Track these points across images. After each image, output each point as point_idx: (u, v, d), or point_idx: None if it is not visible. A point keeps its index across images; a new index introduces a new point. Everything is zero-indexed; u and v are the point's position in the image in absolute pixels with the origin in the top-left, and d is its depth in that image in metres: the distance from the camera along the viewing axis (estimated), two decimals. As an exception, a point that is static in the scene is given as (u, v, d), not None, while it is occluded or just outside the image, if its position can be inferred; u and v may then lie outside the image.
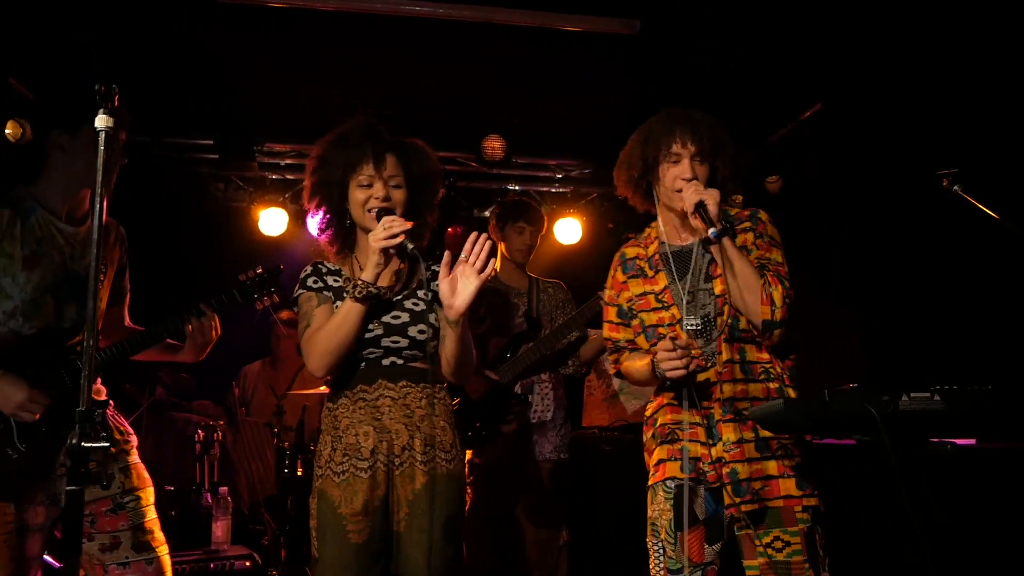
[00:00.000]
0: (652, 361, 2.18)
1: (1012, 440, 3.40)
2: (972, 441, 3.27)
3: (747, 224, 2.34)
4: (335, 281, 2.36)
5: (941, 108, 4.41)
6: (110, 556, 2.41)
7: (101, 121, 1.67)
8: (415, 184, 2.39)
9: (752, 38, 3.79)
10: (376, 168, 2.31)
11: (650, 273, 2.36)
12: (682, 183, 2.23)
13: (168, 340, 2.63)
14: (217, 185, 5.06)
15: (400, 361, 2.30)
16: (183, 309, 2.57)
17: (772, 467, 2.20)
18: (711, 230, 2.11)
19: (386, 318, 2.29)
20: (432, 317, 2.32)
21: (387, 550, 2.23)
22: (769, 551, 2.18)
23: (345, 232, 2.39)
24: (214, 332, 2.63)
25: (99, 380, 2.58)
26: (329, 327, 2.21)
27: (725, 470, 2.18)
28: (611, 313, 2.45)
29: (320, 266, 2.39)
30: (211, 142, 4.70)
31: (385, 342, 2.28)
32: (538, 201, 5.40)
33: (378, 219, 2.23)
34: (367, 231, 2.30)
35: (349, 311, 2.20)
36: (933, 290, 4.72)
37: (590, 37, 3.73)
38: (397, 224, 2.19)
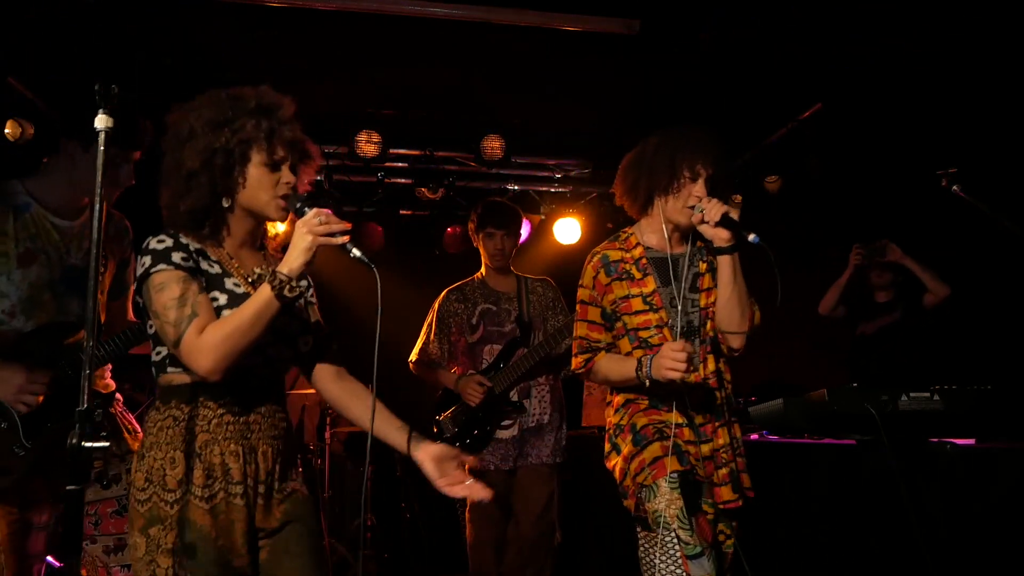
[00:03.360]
0: (640, 360, 2.28)
1: (1012, 440, 3.40)
2: (971, 441, 3.28)
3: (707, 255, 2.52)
4: (210, 267, 1.93)
5: (940, 108, 4.41)
6: (114, 558, 2.39)
7: (101, 121, 1.67)
8: (300, 177, 2.02)
9: (752, 38, 3.79)
10: (290, 148, 1.95)
11: (637, 276, 2.43)
12: (696, 200, 2.36)
13: None
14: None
15: (272, 374, 1.99)
16: None
17: (742, 463, 2.44)
18: (751, 236, 2.23)
19: (277, 323, 1.88)
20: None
21: None
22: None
23: (210, 213, 1.94)
24: None
25: (108, 374, 2.56)
26: (241, 323, 1.80)
27: (723, 471, 2.35)
28: (592, 313, 2.48)
29: (182, 239, 1.91)
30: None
31: (271, 351, 1.94)
32: (538, 200, 5.41)
33: (298, 208, 1.91)
34: (259, 218, 1.99)
35: (267, 308, 1.80)
36: (909, 290, 4.71)
37: (590, 37, 3.73)
38: (336, 223, 1.84)
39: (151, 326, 1.90)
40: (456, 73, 4.20)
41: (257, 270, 1.92)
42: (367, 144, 4.57)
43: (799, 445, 3.74)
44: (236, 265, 1.98)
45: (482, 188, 5.26)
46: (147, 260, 1.87)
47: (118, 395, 2.57)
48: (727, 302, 2.33)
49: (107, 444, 1.62)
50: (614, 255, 2.48)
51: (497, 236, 3.78)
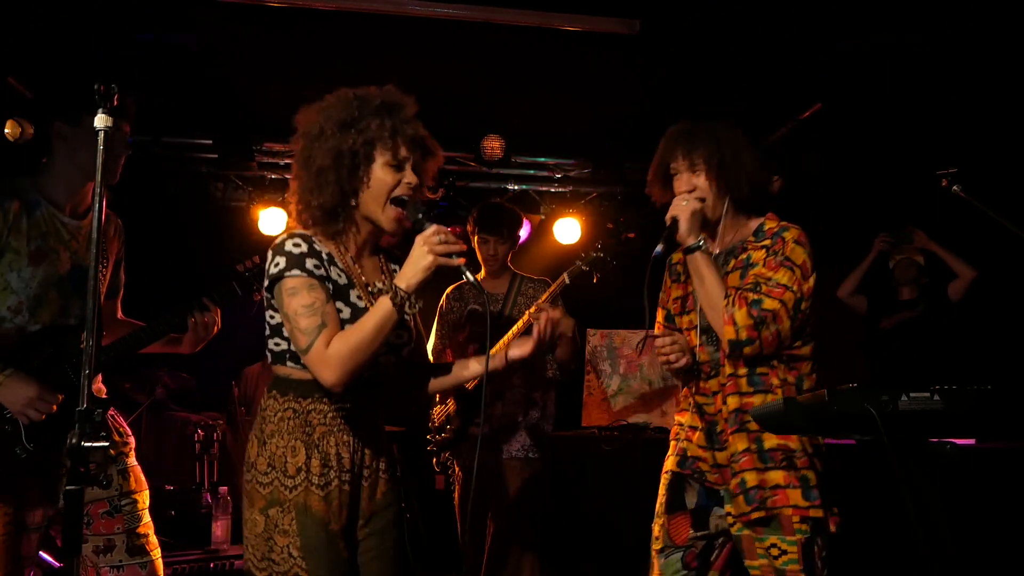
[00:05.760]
0: None
1: (1012, 440, 3.41)
2: (972, 441, 3.28)
3: (767, 241, 2.31)
4: (338, 276, 1.99)
5: (941, 108, 4.42)
6: (104, 559, 2.39)
7: (100, 121, 1.67)
8: (423, 176, 2.09)
9: (752, 38, 3.79)
10: (412, 146, 2.02)
11: (683, 278, 2.44)
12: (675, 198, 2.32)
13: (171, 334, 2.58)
14: (217, 185, 5.06)
15: (378, 375, 2.06)
16: (186, 304, 2.53)
17: (779, 476, 2.22)
18: (657, 248, 2.23)
19: (391, 336, 1.97)
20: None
21: None
22: (768, 556, 2.21)
23: (341, 210, 2.01)
24: (216, 327, 2.60)
25: (100, 379, 2.56)
26: (363, 338, 1.87)
27: (735, 480, 2.22)
28: (661, 315, 2.54)
29: (315, 245, 1.97)
30: (210, 142, 4.70)
31: (380, 359, 2.01)
32: (538, 200, 5.41)
33: (419, 220, 1.96)
34: (373, 219, 2.02)
35: (387, 322, 1.88)
36: (933, 289, 4.72)
37: (590, 37, 3.73)
38: (454, 244, 1.88)
39: (273, 316, 1.99)
40: (456, 73, 4.20)
41: (379, 284, 2.02)
42: (367, 144, 4.57)
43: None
44: (359, 272, 2.05)
45: (482, 188, 5.26)
46: (281, 262, 1.93)
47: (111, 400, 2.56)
48: (702, 304, 2.26)
49: (107, 444, 1.61)
50: (675, 256, 2.50)
51: (491, 242, 3.76)
